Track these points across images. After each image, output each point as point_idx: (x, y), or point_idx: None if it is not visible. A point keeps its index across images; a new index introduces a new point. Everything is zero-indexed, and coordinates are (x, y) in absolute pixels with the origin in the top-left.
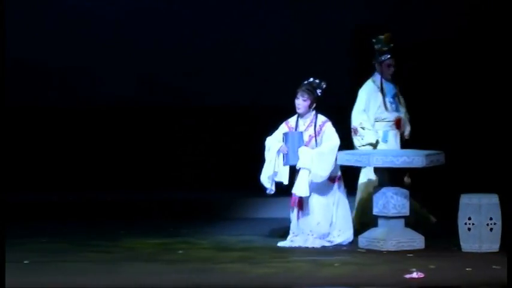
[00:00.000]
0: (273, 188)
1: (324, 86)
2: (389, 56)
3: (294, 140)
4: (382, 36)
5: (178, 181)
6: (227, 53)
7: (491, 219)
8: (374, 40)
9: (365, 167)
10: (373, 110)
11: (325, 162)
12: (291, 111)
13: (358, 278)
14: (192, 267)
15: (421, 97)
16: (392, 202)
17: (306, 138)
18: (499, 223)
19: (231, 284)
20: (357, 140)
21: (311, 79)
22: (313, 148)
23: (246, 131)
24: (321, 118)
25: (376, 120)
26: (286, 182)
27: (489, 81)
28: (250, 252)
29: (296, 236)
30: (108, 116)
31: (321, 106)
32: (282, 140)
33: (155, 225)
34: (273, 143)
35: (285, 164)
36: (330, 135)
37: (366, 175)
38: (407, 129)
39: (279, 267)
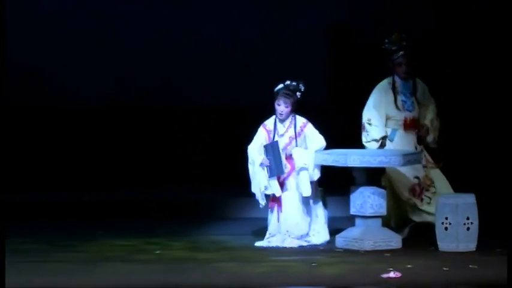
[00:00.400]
0: (263, 202)
1: (303, 88)
2: (399, 55)
3: (274, 151)
4: (393, 36)
5: (159, 181)
6: (207, 54)
7: (468, 218)
8: (386, 40)
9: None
10: (384, 108)
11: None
12: (269, 111)
13: (335, 278)
14: (169, 267)
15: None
16: (369, 202)
17: (286, 140)
18: (476, 223)
19: (207, 284)
20: (363, 136)
21: (287, 82)
22: (293, 147)
23: (228, 131)
24: (300, 119)
25: (387, 118)
26: (278, 193)
27: (465, 80)
28: (228, 252)
29: (273, 236)
30: (90, 116)
31: (299, 107)
32: (262, 152)
33: (133, 225)
34: (255, 156)
35: (270, 177)
36: (315, 137)
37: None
38: (430, 136)
39: (256, 267)
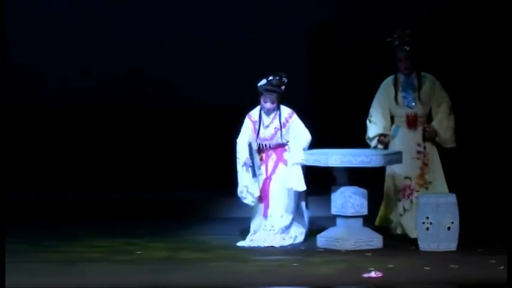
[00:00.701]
0: (249, 200)
1: (286, 80)
2: (399, 50)
3: (254, 152)
4: (396, 32)
5: (143, 181)
6: (191, 54)
7: (449, 218)
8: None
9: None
10: (387, 104)
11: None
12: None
13: (317, 278)
14: (150, 267)
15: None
16: (350, 202)
17: (271, 130)
18: (457, 222)
19: (187, 285)
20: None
21: (270, 77)
22: (278, 140)
23: (213, 131)
24: (286, 110)
25: (392, 115)
26: (257, 193)
27: (460, 80)
28: (210, 252)
29: (256, 233)
30: (74, 115)
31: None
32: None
33: (114, 225)
34: (242, 154)
35: (253, 176)
36: (301, 132)
37: (391, 168)
38: (441, 137)
39: (237, 267)
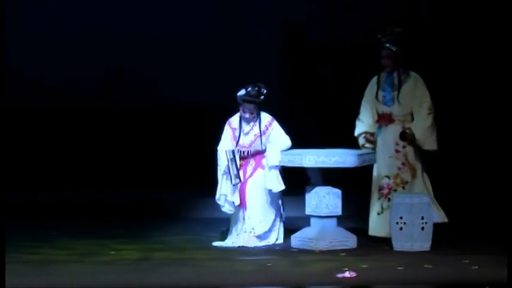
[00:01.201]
0: (227, 208)
1: (265, 91)
2: (382, 48)
3: (234, 159)
4: (385, 29)
5: (113, 182)
6: (164, 55)
7: (422, 218)
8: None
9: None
10: (372, 102)
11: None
12: (230, 111)
13: (291, 278)
14: (124, 268)
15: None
16: (324, 202)
17: (251, 137)
18: (430, 222)
19: (160, 285)
20: None
21: (249, 88)
22: (258, 147)
23: (189, 131)
24: (266, 117)
25: (378, 113)
26: (237, 202)
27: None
28: (185, 253)
29: (237, 235)
30: (50, 116)
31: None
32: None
33: (88, 226)
34: (223, 161)
35: (233, 183)
36: (281, 138)
37: (375, 168)
38: (417, 137)
39: (211, 267)
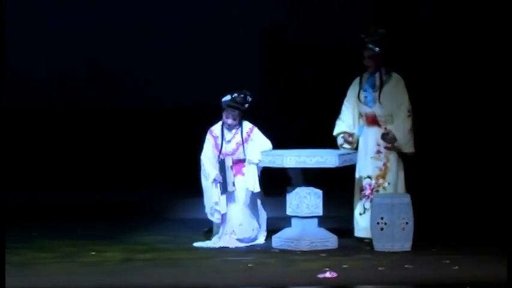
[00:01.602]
0: (216, 217)
1: (250, 99)
2: (364, 48)
3: (223, 168)
4: (369, 29)
5: (94, 182)
6: (144, 55)
7: (403, 218)
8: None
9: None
10: (354, 102)
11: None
12: (210, 112)
13: (272, 278)
14: (104, 269)
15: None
16: (305, 202)
17: (233, 146)
18: (411, 222)
19: (141, 286)
20: None
21: (235, 94)
22: (241, 155)
23: (167, 132)
24: (247, 125)
25: (360, 114)
26: (224, 210)
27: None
28: (167, 253)
29: (219, 237)
30: (30, 116)
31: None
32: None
33: (69, 227)
34: (210, 169)
35: (222, 194)
36: (262, 141)
37: (357, 168)
38: (397, 143)
39: (193, 268)
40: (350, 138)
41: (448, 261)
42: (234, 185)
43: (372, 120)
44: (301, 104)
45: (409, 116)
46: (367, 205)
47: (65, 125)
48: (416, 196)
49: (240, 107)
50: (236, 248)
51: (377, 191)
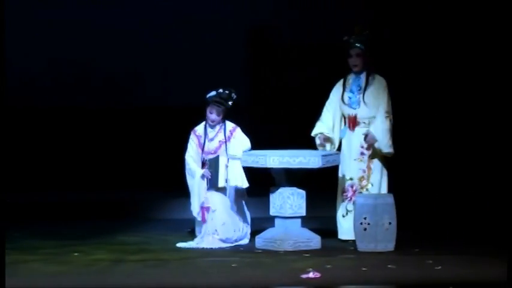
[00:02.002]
0: (200, 216)
1: (235, 96)
2: (351, 47)
3: (212, 165)
4: (354, 29)
5: (79, 182)
6: (128, 55)
7: (386, 219)
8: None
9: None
10: (337, 104)
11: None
12: (196, 112)
13: (256, 278)
14: (88, 269)
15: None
16: (289, 202)
17: (215, 144)
18: (394, 223)
19: (126, 286)
20: None
21: (220, 90)
22: (223, 154)
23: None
24: (230, 124)
25: (343, 115)
26: (214, 207)
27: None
28: (149, 253)
29: (201, 237)
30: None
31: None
32: (202, 164)
33: (52, 227)
34: (194, 167)
35: (209, 189)
36: (242, 139)
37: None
38: (376, 144)
39: (176, 268)
40: (324, 142)
41: (431, 261)
42: (226, 181)
43: (356, 123)
44: (286, 105)
45: (386, 117)
46: (350, 207)
47: (49, 125)
48: (400, 197)
49: (224, 102)
50: (219, 248)
51: (360, 192)
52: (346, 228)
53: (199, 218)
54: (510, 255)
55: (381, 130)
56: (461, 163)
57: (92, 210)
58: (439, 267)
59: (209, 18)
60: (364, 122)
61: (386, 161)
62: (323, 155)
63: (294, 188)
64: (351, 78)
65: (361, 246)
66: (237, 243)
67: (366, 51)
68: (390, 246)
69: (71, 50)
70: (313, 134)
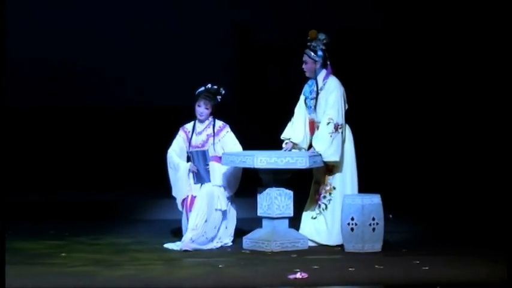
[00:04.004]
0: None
1: (223, 92)
2: (303, 53)
3: (200, 159)
4: (308, 34)
5: (65, 183)
6: (116, 55)
7: (373, 219)
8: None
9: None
10: (301, 108)
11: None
12: (184, 112)
13: (243, 279)
14: (75, 270)
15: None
16: (276, 203)
17: (203, 137)
18: (381, 223)
19: (114, 287)
20: None
21: (209, 85)
22: (210, 146)
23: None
24: (219, 122)
25: None
26: (197, 202)
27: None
28: (136, 255)
29: (182, 239)
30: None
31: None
32: (187, 158)
33: (38, 227)
34: (177, 161)
35: (196, 183)
36: (233, 146)
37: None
38: (315, 146)
39: (163, 269)
40: (293, 148)
41: (418, 262)
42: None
43: (313, 127)
44: (271, 105)
45: (328, 123)
46: (317, 210)
47: (34, 125)
48: (388, 197)
49: (212, 96)
50: (208, 249)
51: (324, 196)
52: (311, 229)
53: (181, 209)
54: (510, 255)
55: (320, 137)
56: (456, 163)
57: (80, 211)
58: (427, 268)
59: (194, 16)
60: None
61: (351, 162)
62: (310, 156)
63: (282, 189)
64: (308, 82)
65: (349, 247)
66: (221, 244)
67: (315, 58)
68: (377, 246)
69: (58, 50)
70: (282, 137)
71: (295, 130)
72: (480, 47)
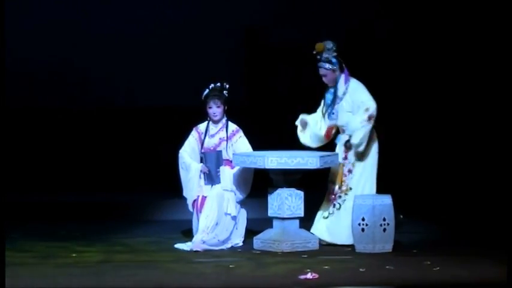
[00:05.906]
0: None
1: (227, 86)
2: (318, 67)
3: (212, 160)
4: (315, 46)
5: (74, 184)
6: (125, 55)
7: (384, 219)
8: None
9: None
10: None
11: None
12: (193, 112)
13: (253, 280)
14: (85, 270)
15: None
16: (287, 203)
17: (215, 140)
18: (392, 223)
19: (122, 287)
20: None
21: (211, 85)
22: (223, 149)
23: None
24: (233, 125)
25: None
26: (208, 203)
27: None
28: (147, 255)
29: (193, 240)
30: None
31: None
32: (200, 159)
33: (49, 228)
34: (189, 161)
35: (206, 184)
36: (245, 150)
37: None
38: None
39: (173, 269)
40: (302, 127)
41: (429, 263)
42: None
43: (337, 130)
44: (279, 107)
45: (367, 109)
46: (331, 209)
47: (40, 126)
48: (399, 197)
49: (218, 94)
50: (219, 249)
51: (340, 196)
52: (323, 229)
53: (191, 209)
54: (510, 255)
55: (352, 122)
56: (460, 163)
57: (89, 211)
58: (437, 268)
59: (202, 17)
60: (342, 129)
61: (372, 164)
62: (321, 156)
63: (292, 189)
64: (328, 90)
65: (359, 247)
66: (231, 244)
67: (331, 68)
68: (388, 247)
69: (63, 51)
70: (298, 120)
71: (311, 116)
72: (492, 47)
